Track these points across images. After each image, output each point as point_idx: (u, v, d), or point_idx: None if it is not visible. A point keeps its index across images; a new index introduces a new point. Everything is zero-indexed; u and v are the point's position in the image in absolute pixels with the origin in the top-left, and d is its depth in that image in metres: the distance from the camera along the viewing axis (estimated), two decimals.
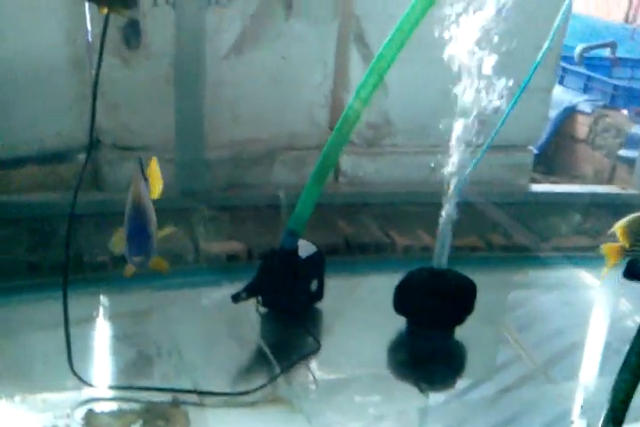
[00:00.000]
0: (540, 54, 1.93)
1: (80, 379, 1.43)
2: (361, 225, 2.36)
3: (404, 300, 1.78)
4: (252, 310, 1.80)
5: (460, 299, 1.78)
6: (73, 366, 1.43)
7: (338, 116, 2.64)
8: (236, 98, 2.41)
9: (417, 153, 2.62)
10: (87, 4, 2.19)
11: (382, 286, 2.03)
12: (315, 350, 1.68)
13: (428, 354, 1.76)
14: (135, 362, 1.57)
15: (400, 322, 1.81)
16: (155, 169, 1.44)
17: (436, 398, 1.62)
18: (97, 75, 1.52)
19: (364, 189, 2.54)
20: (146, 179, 1.40)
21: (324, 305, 1.88)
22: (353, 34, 2.51)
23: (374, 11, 2.46)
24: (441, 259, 1.80)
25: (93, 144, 1.63)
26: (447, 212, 1.78)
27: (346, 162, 2.58)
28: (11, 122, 2.15)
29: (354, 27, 2.50)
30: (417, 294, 1.77)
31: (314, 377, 1.59)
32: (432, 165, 1.91)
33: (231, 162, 2.41)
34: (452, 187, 1.82)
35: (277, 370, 1.58)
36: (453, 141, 1.88)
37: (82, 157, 2.23)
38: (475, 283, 1.79)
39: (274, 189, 2.44)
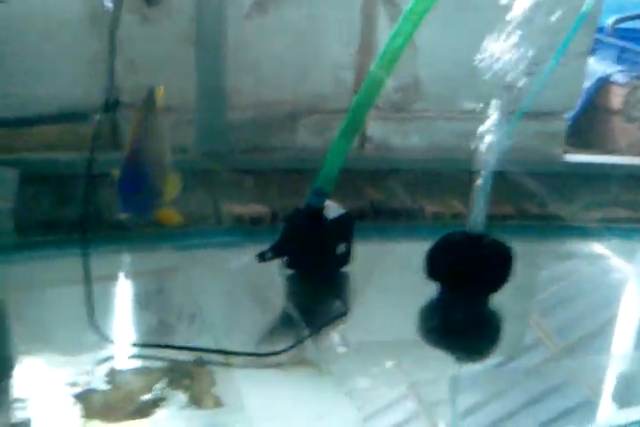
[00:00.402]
0: (578, 18, 1.82)
1: (102, 335, 1.37)
2: (388, 191, 2.27)
3: (436, 265, 1.70)
4: (276, 271, 1.74)
5: (496, 265, 1.69)
6: (94, 323, 1.37)
7: (363, 78, 2.59)
8: (259, 58, 2.32)
9: (448, 118, 2.52)
10: None
11: (411, 252, 1.96)
12: (343, 314, 1.60)
13: (462, 322, 1.68)
14: (158, 321, 1.52)
15: (432, 288, 1.73)
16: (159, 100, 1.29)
17: (472, 366, 1.54)
18: (113, 31, 1.43)
19: (391, 155, 2.44)
20: (153, 116, 1.26)
21: (351, 270, 1.80)
22: None
23: None
24: (476, 223, 1.71)
25: (111, 104, 1.55)
26: (484, 175, 1.69)
27: (372, 127, 2.49)
28: (27, 79, 2.08)
29: None
30: (450, 258, 1.69)
31: (343, 341, 1.52)
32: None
33: (253, 124, 2.32)
34: (487, 149, 1.73)
35: (305, 333, 1.51)
36: (490, 107, 1.79)
37: (100, 116, 2.16)
38: (511, 249, 1.70)
39: (297, 152, 2.36)
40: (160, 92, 1.31)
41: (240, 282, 1.72)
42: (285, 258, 1.69)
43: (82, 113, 2.16)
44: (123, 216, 1.14)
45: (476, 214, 1.71)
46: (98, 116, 2.13)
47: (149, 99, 1.25)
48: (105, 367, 1.32)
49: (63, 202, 1.88)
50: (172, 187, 1.29)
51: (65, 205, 1.86)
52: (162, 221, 1.27)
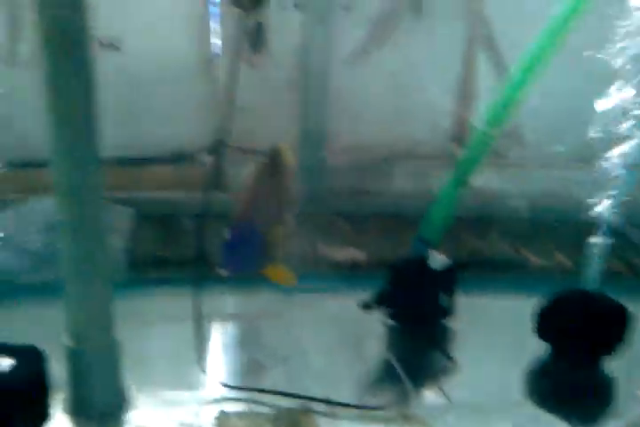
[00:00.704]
0: None
1: (209, 376, 1.37)
2: (489, 240, 2.20)
3: (547, 324, 1.61)
4: (377, 319, 1.70)
5: (611, 327, 1.58)
6: (202, 363, 1.37)
7: (461, 124, 2.56)
8: (359, 103, 2.34)
9: (549, 166, 2.44)
10: (216, 10, 2.21)
11: (516, 306, 1.87)
12: (450, 369, 1.54)
13: (574, 385, 1.57)
14: (262, 364, 1.50)
15: (540, 347, 1.64)
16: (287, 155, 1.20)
17: None
18: (233, 81, 1.47)
19: (492, 201, 2.37)
20: (278, 177, 1.14)
21: (455, 322, 1.74)
22: (482, 37, 2.39)
23: (506, 11, 2.33)
24: (591, 281, 1.62)
25: (224, 145, 1.59)
26: (602, 231, 1.61)
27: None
28: (142, 121, 2.18)
29: (483, 30, 2.38)
30: (563, 319, 1.59)
31: (449, 398, 1.45)
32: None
33: (351, 167, 2.33)
34: (604, 205, 1.65)
35: (409, 386, 1.46)
36: (607, 157, 1.73)
37: (207, 157, 2.23)
38: (628, 310, 1.59)
39: (393, 196, 2.34)
40: (285, 150, 1.20)
41: (342, 329, 1.69)
42: (388, 308, 1.65)
43: (190, 154, 2.24)
44: (223, 273, 1.09)
45: (592, 272, 1.63)
46: (206, 158, 2.21)
47: (274, 159, 1.15)
48: (212, 409, 1.31)
49: (172, 240, 1.92)
50: (283, 246, 1.20)
51: (173, 243, 1.90)
52: (272, 278, 1.20)
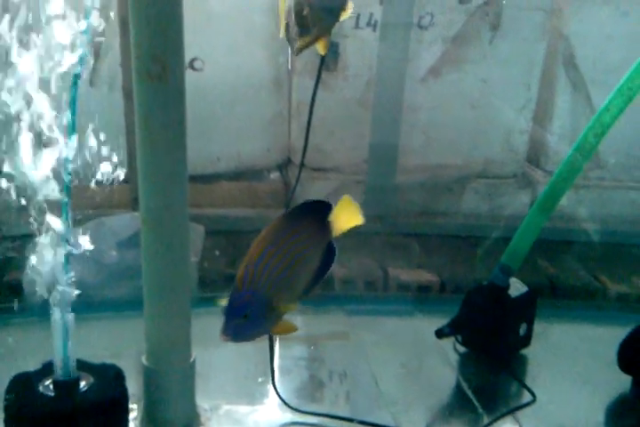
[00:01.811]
0: None
1: (283, 401, 1.35)
2: (566, 266, 2.11)
3: (632, 357, 1.52)
4: (448, 346, 1.64)
5: None
6: (276, 388, 1.36)
7: (537, 145, 2.49)
8: (431, 121, 2.31)
9: (629, 188, 2.34)
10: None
11: (595, 336, 1.78)
12: (529, 402, 1.46)
13: None
14: (331, 388, 1.47)
15: (624, 381, 1.54)
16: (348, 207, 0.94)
17: None
18: (313, 99, 1.47)
19: (568, 224, 2.28)
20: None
21: (530, 352, 1.66)
22: (562, 55, 2.32)
23: (587, 31, 2.26)
24: None
25: (303, 165, 1.58)
26: None
27: None
28: (213, 138, 2.22)
29: (563, 48, 2.31)
30: None
31: None
32: None
33: (422, 187, 2.29)
34: None
35: (485, 419, 1.39)
36: None
37: (276, 174, 2.24)
38: None
39: (464, 217, 2.28)
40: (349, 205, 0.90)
41: (411, 352, 1.64)
42: (462, 335, 1.60)
43: (259, 171, 2.26)
44: (222, 339, 0.92)
45: None
46: (275, 175, 2.23)
47: (299, 210, 0.89)
48: None
49: (238, 258, 1.93)
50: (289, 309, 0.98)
51: (240, 261, 1.91)
52: (278, 334, 1.03)
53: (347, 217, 0.96)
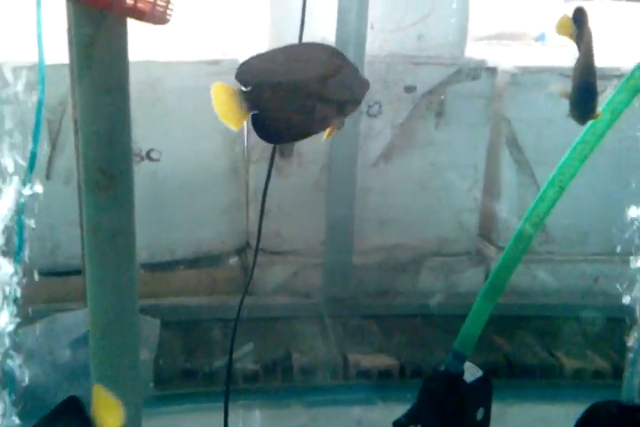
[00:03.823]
0: None
1: None
2: (521, 342, 2.14)
3: None
4: None
5: None
6: None
7: (488, 222, 2.59)
8: (385, 203, 2.39)
9: (579, 261, 2.42)
10: None
11: (552, 415, 1.80)
12: None
13: None
14: None
15: None
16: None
17: None
18: (266, 185, 1.55)
19: (522, 299, 2.34)
20: None
21: None
22: (505, 137, 2.45)
23: (527, 114, 2.41)
24: (631, 391, 1.55)
25: (252, 248, 1.62)
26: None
27: None
28: (171, 225, 2.25)
29: (506, 130, 2.45)
30: None
31: None
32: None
33: (379, 268, 2.34)
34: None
35: None
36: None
37: (234, 260, 2.27)
38: None
39: (421, 296, 2.32)
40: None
41: None
42: (421, 423, 1.59)
43: (217, 257, 2.28)
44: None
45: (632, 380, 1.56)
46: (233, 260, 2.25)
47: None
48: None
49: (197, 350, 1.92)
50: None
51: (198, 353, 1.90)
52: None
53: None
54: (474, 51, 2.56)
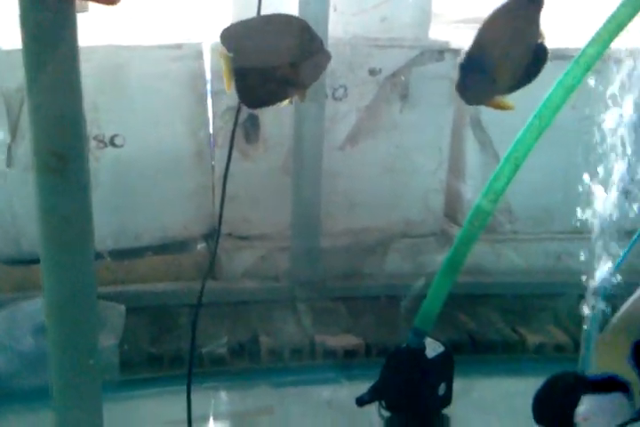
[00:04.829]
0: None
1: None
2: (485, 319, 2.18)
3: (544, 412, 1.57)
4: (374, 412, 1.66)
5: None
6: None
7: (453, 202, 2.62)
8: (351, 187, 2.40)
9: (543, 239, 2.47)
10: (210, 101, 2.32)
11: (514, 389, 1.84)
12: None
13: None
14: None
15: None
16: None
17: None
18: (227, 169, 1.55)
19: (484, 278, 2.38)
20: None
21: (452, 410, 1.70)
22: (469, 119, 2.48)
23: None
24: (588, 363, 1.59)
25: (220, 234, 1.63)
26: (596, 306, 1.60)
27: None
28: (136, 212, 2.24)
29: (470, 111, 2.47)
30: (558, 407, 1.56)
31: None
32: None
33: (346, 251, 2.36)
34: (597, 278, 1.66)
35: None
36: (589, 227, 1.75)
37: (201, 246, 2.27)
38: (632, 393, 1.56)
39: (389, 278, 2.35)
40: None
41: (339, 423, 1.65)
42: (384, 400, 1.62)
43: (183, 243, 2.28)
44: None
45: (589, 353, 1.60)
46: (201, 246, 2.25)
47: None
48: None
49: (163, 335, 1.92)
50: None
51: (164, 338, 1.90)
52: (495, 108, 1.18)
53: None
54: (441, 34, 2.57)
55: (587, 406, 0.79)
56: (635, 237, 1.70)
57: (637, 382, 0.80)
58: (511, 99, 2.54)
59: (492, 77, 1.16)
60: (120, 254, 2.18)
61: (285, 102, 1.18)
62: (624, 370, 0.81)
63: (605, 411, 0.80)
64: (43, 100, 1.16)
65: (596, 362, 0.82)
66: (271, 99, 1.17)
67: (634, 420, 0.80)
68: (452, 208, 2.57)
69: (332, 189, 2.35)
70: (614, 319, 0.84)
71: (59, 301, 1.19)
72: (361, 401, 1.56)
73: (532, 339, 2.07)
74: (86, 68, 2.00)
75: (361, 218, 2.40)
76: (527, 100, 1.86)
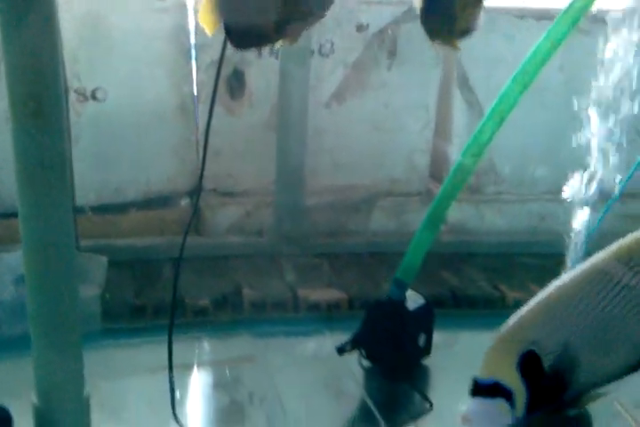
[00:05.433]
0: None
1: None
2: (467, 277, 2.21)
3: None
4: (354, 362, 1.69)
5: None
6: (176, 414, 1.36)
7: (439, 162, 2.62)
8: (337, 145, 2.39)
9: (524, 201, 2.48)
10: (194, 54, 2.28)
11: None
12: (426, 410, 1.53)
13: (553, 421, 1.57)
14: (235, 411, 1.49)
15: None
16: None
17: None
18: (209, 124, 1.52)
19: (468, 238, 2.40)
20: None
21: (431, 362, 1.74)
22: (457, 78, 2.45)
23: (478, 54, 2.41)
24: None
25: (201, 190, 1.63)
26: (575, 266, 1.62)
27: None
28: (120, 167, 2.22)
29: (457, 70, 2.44)
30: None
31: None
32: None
33: (330, 208, 2.36)
34: (576, 239, 1.68)
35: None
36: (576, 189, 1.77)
37: (185, 202, 2.26)
38: None
39: (373, 235, 2.36)
40: None
41: (318, 371, 1.68)
42: (365, 350, 1.65)
43: (168, 198, 2.27)
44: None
45: None
46: (185, 202, 2.24)
47: None
48: None
49: (147, 287, 1.94)
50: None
51: (148, 290, 1.92)
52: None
53: None
54: None
55: (470, 407, 0.80)
56: (610, 200, 1.72)
57: (522, 392, 0.81)
58: (503, 58, 2.51)
59: (454, 15, 1.15)
60: (103, 209, 2.17)
61: (277, 44, 1.14)
62: (510, 378, 0.82)
63: (486, 415, 0.81)
64: (19, 45, 1.13)
65: (485, 367, 0.82)
66: (261, 40, 1.14)
67: None
68: (437, 168, 2.57)
69: (317, 146, 2.34)
70: (506, 327, 0.85)
71: (36, 247, 1.18)
72: (341, 350, 1.58)
73: (512, 295, 2.10)
74: (66, 18, 1.95)
75: (346, 176, 2.39)
76: (516, 62, 1.85)
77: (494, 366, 0.83)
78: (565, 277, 0.91)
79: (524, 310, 0.85)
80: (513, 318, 0.86)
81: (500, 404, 0.82)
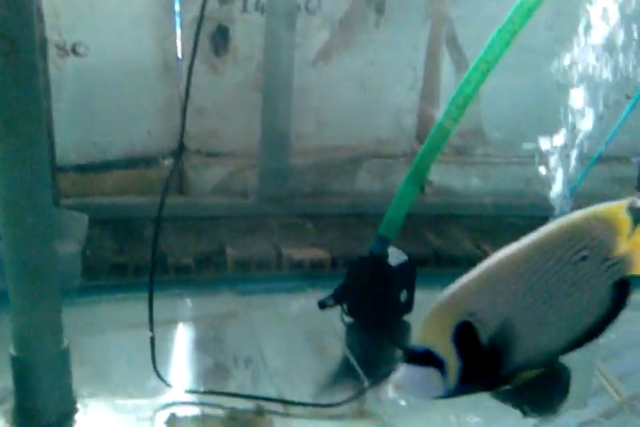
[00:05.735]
0: None
1: (164, 381, 1.37)
2: (451, 237, 2.22)
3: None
4: (337, 318, 1.70)
5: None
6: (157, 369, 1.37)
7: (426, 123, 2.59)
8: (323, 104, 2.36)
9: (510, 163, 2.47)
10: (178, 9, 2.22)
11: None
12: None
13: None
14: (217, 367, 1.50)
15: None
16: None
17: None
18: (188, 81, 1.49)
19: (453, 199, 2.40)
20: None
21: (413, 318, 1.75)
22: (445, 37, 2.41)
23: (468, 13, 2.36)
24: None
25: (182, 150, 1.60)
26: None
27: (433, 172, 2.46)
28: (101, 125, 2.18)
29: (446, 30, 2.40)
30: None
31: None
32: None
33: (315, 169, 2.34)
34: (556, 200, 1.68)
35: (365, 383, 1.47)
36: (557, 152, 1.76)
37: (169, 161, 2.23)
38: None
39: (358, 196, 2.35)
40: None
41: (301, 328, 1.69)
42: (347, 305, 1.66)
43: (151, 158, 2.24)
44: None
45: None
46: (168, 162, 2.21)
47: None
48: (165, 414, 1.31)
49: (129, 245, 1.92)
50: None
51: (130, 248, 1.91)
52: None
53: None
54: None
55: (401, 373, 0.78)
56: (589, 163, 1.71)
57: (455, 363, 0.79)
58: (492, 18, 2.47)
59: None
60: (85, 168, 2.14)
61: None
62: (444, 349, 0.80)
63: (417, 383, 0.80)
64: None
65: (420, 334, 0.80)
66: None
67: (442, 398, 0.80)
68: (424, 130, 2.55)
69: (302, 105, 2.30)
70: (445, 295, 0.83)
71: (12, 198, 1.16)
72: (322, 304, 1.59)
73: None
74: None
75: (332, 136, 2.37)
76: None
77: (429, 334, 0.81)
78: (512, 247, 0.88)
79: (465, 278, 0.82)
80: (454, 286, 0.84)
81: (431, 373, 0.80)
